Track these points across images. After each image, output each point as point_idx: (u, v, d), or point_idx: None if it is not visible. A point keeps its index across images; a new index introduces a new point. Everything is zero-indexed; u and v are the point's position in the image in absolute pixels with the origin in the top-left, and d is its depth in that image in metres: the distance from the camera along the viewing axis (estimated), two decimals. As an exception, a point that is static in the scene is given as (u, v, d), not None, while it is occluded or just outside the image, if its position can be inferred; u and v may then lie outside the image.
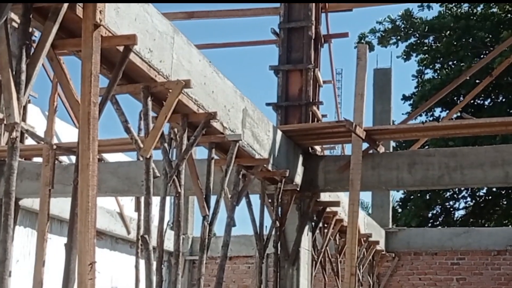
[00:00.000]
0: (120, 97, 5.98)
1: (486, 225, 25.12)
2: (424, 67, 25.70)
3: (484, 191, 26.62)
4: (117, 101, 5.87)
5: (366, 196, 28.48)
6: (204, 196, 7.00)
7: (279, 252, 9.24)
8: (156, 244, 6.68)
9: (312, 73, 9.53)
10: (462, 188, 26.09)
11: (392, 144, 17.44)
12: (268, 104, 9.61)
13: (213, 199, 7.16)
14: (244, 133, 7.45)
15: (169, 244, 9.00)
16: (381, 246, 15.34)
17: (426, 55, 25.35)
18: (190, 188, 7.41)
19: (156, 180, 7.03)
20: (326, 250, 11.60)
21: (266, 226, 9.12)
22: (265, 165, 8.07)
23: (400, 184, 9.75)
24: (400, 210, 26.27)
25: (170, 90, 5.83)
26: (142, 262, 6.68)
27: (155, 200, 6.67)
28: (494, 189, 25.64)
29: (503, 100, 25.03)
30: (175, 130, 6.83)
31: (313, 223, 10.21)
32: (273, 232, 9.06)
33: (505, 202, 26.67)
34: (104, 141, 8.94)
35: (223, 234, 7.71)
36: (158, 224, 6.66)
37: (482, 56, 22.04)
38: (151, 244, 6.24)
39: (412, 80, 26.03)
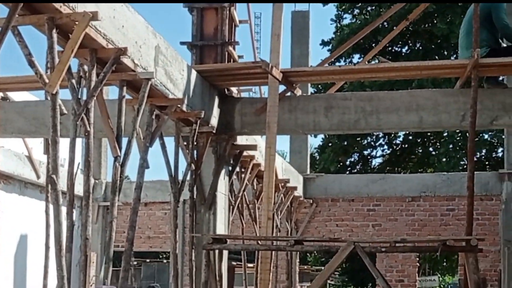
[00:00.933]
0: (26, 32, 5.73)
1: (402, 172, 25.84)
2: (342, 12, 25.90)
3: (401, 139, 27.34)
4: (20, 33, 5.62)
5: (284, 145, 28.68)
6: (115, 136, 6.85)
7: (195, 196, 9.20)
8: (67, 187, 6.52)
9: (228, 12, 9.39)
10: (380, 136, 26.71)
11: (311, 90, 17.56)
12: (182, 43, 9.43)
13: (125, 140, 7.01)
14: (156, 71, 7.29)
15: (81, 189, 8.81)
16: (299, 192, 15.55)
17: (345, 0, 25.57)
18: (102, 130, 7.23)
19: (65, 121, 6.84)
20: (244, 195, 11.66)
21: (182, 171, 9.05)
22: (179, 106, 7.95)
23: (317, 128, 9.81)
24: (318, 156, 26.71)
25: (77, 22, 5.62)
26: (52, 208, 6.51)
27: (66, 142, 6.49)
28: (410, 137, 26.37)
29: (420, 47, 25.57)
30: (85, 67, 6.62)
31: (230, 167, 10.20)
32: (189, 176, 9.01)
33: (420, 150, 27.47)
34: (9, 78, 8.61)
35: (136, 176, 7.59)
36: (68, 166, 6.48)
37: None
38: (59, 185, 6.09)
39: (331, 24, 26.23)
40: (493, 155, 26.06)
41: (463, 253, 7.52)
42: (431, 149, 26.68)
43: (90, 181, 6.61)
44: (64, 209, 6.51)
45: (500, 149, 25.12)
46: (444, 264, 39.03)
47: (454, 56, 22.89)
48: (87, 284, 7.12)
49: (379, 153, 28.32)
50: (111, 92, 11.31)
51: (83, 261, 7.08)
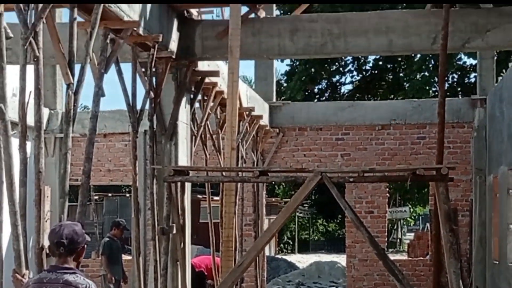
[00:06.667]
0: None
1: (372, 99, 25.93)
2: None
3: (371, 64, 27.35)
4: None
5: (249, 71, 28.51)
6: (66, 62, 6.68)
7: (155, 126, 9.11)
8: (18, 118, 6.38)
9: None
10: (349, 61, 26.64)
11: (276, 12, 17.34)
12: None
13: (78, 67, 6.85)
14: (109, -9, 7.09)
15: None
16: (265, 121, 15.50)
17: None
18: (54, 56, 7.07)
19: (15, 46, 6.65)
20: (207, 125, 11.56)
21: (141, 100, 8.92)
22: (135, 29, 7.76)
23: (282, 52, 9.74)
24: (285, 84, 26.65)
25: None
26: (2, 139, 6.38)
27: (17, 70, 6.31)
28: (381, 63, 26.37)
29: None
30: (31, -12, 6.41)
31: (191, 95, 10.10)
32: (148, 105, 8.89)
33: (390, 77, 27.55)
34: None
35: (92, 105, 7.45)
36: (20, 95, 6.33)
37: None
38: (8, 114, 5.96)
39: None
40: (465, 81, 26.23)
41: (434, 182, 7.53)
42: (401, 74, 26.74)
43: (41, 110, 6.47)
44: (16, 141, 6.40)
45: (472, 75, 25.27)
46: (415, 195, 39.70)
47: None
48: (41, 219, 7.05)
49: (348, 79, 28.34)
50: (64, 16, 10.99)
51: (37, 195, 6.99)
